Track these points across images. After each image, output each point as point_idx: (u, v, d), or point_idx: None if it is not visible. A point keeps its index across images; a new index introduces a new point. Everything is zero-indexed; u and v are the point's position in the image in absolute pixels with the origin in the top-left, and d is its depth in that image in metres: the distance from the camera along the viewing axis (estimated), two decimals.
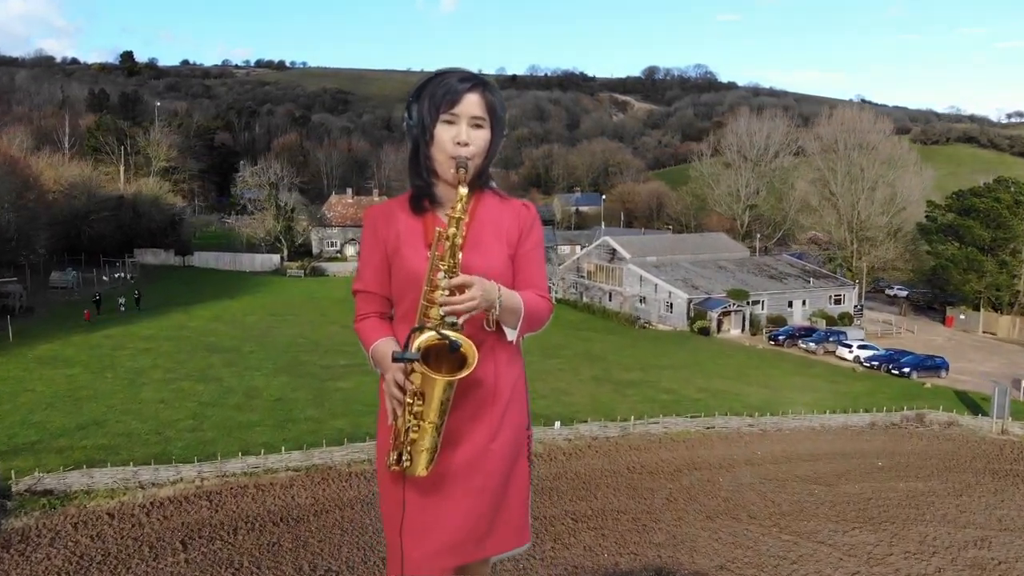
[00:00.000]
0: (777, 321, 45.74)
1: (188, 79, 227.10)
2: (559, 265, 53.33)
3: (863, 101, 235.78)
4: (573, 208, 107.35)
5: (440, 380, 1.85)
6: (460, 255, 1.94)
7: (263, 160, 57.69)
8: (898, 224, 57.34)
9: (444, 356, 1.87)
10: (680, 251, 50.99)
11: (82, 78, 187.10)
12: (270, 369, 27.73)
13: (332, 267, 57.42)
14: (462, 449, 2.06)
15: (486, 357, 2.03)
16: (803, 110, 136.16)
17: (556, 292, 52.45)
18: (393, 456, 1.99)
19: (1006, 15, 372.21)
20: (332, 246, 67.78)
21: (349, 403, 23.73)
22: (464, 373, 1.85)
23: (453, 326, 1.88)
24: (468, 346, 1.85)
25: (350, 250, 67.32)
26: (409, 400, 1.91)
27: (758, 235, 67.46)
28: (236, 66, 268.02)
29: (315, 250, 66.81)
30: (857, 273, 57.68)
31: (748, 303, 45.19)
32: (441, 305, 1.89)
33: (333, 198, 70.15)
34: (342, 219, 68.48)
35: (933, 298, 56.99)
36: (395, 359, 1.85)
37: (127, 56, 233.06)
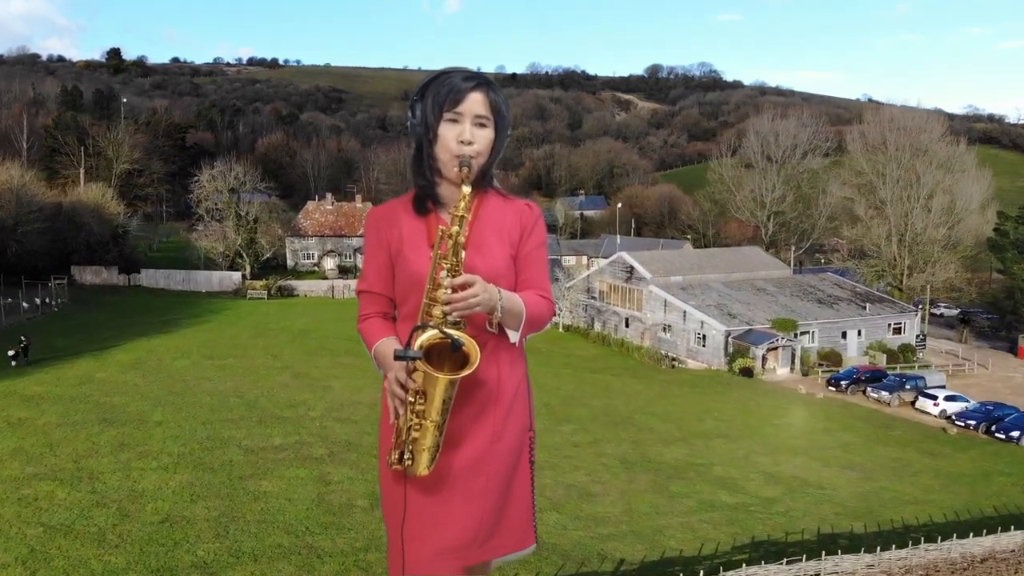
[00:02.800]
0: (830, 357, 38.00)
1: (176, 77, 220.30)
2: (566, 285, 45.60)
3: (870, 100, 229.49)
4: (577, 212, 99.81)
5: (442, 379, 1.83)
6: (463, 254, 1.93)
7: (223, 161, 50.00)
8: (957, 237, 49.71)
9: (446, 355, 1.86)
10: (709, 269, 43.25)
11: (65, 76, 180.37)
12: (173, 456, 19.90)
13: (303, 285, 49.34)
14: (464, 450, 2.04)
15: (489, 358, 2.01)
16: (811, 110, 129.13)
17: (563, 317, 44.75)
18: (395, 455, 1.96)
19: (1007, 16, 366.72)
20: (308, 259, 60.03)
21: (265, 528, 15.92)
22: (466, 372, 1.83)
23: (456, 325, 1.88)
24: (471, 345, 1.84)
25: (329, 263, 59.58)
26: (411, 399, 1.89)
27: (792, 247, 59.59)
28: (227, 64, 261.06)
29: (289, 264, 59.07)
30: (907, 293, 50.00)
31: (796, 335, 37.50)
32: (444, 303, 1.87)
33: (310, 205, 62.40)
34: (320, 228, 60.72)
35: (1000, 323, 49.31)
36: (397, 357, 1.82)
37: (114, 53, 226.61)
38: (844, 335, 39.67)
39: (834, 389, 33.83)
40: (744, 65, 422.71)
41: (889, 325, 41.39)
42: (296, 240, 58.77)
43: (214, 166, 49.61)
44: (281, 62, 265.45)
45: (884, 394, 32.06)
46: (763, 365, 35.63)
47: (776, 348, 36.11)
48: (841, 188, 57.75)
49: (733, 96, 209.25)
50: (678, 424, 26.49)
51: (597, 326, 45.08)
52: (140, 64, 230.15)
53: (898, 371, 37.09)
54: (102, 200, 47.47)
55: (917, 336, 42.25)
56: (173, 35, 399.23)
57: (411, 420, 1.91)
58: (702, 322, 37.42)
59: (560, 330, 44.00)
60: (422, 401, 1.88)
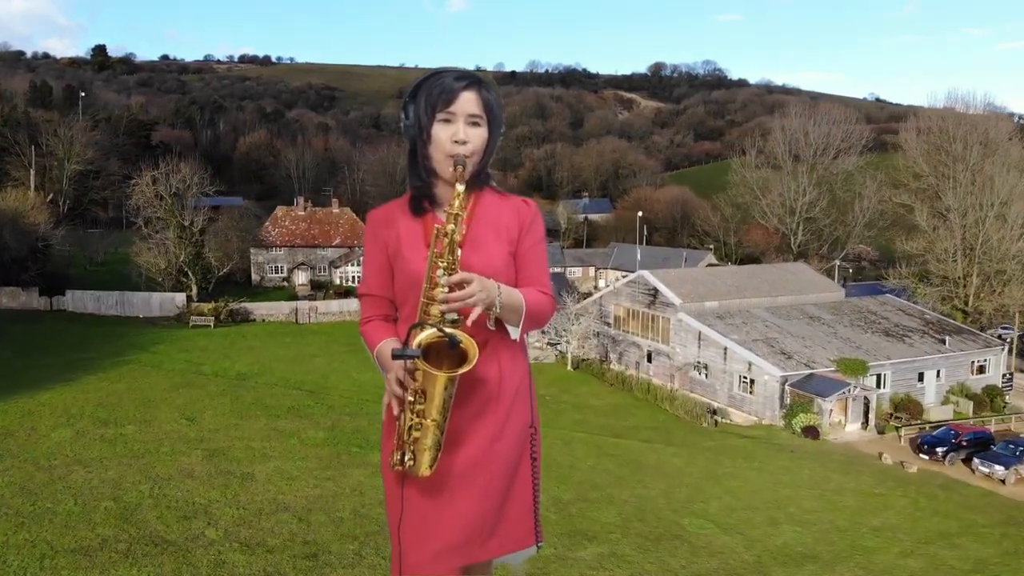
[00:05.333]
0: (907, 407, 30.33)
1: (163, 74, 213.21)
2: (574, 309, 37.81)
3: (877, 100, 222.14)
4: (581, 216, 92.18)
5: (441, 376, 1.83)
6: (459, 252, 1.92)
7: (165, 162, 42.12)
8: None
9: (444, 353, 1.85)
10: (751, 291, 35.55)
11: (47, 72, 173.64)
12: None
13: (261, 308, 41.32)
14: (465, 449, 2.02)
15: (489, 356, 2.01)
16: (829, 107, 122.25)
17: (571, 348, 36.99)
18: (397, 455, 1.95)
19: (1008, 17, 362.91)
20: (276, 273, 52.28)
21: None
22: (464, 369, 1.82)
23: (454, 323, 1.87)
24: (468, 342, 1.83)
25: (300, 278, 51.84)
26: (411, 398, 1.89)
27: (837, 262, 51.86)
28: (218, 61, 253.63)
29: (254, 279, 51.32)
30: (973, 317, 42.39)
31: (862, 378, 29.83)
32: (441, 302, 1.87)
33: (279, 210, 54.56)
34: (290, 237, 52.94)
35: None
36: (395, 356, 1.82)
37: (99, 50, 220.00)
38: (921, 377, 32.00)
39: (927, 457, 26.11)
40: (745, 66, 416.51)
41: (973, 363, 33.71)
42: (261, 252, 50.98)
43: (158, 166, 41.83)
44: (274, 59, 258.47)
45: (998, 469, 24.32)
46: (828, 419, 27.94)
47: (845, 397, 28.40)
48: (887, 192, 50.33)
49: (739, 95, 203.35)
50: (745, 533, 18.74)
51: (612, 357, 37.44)
52: (126, 61, 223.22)
53: (990, 427, 29.47)
54: (22, 208, 39.64)
55: (1004, 375, 34.58)
56: (174, 35, 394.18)
57: (412, 420, 1.88)
58: (750, 363, 29.68)
59: (569, 368, 36.21)
60: (422, 400, 1.86)
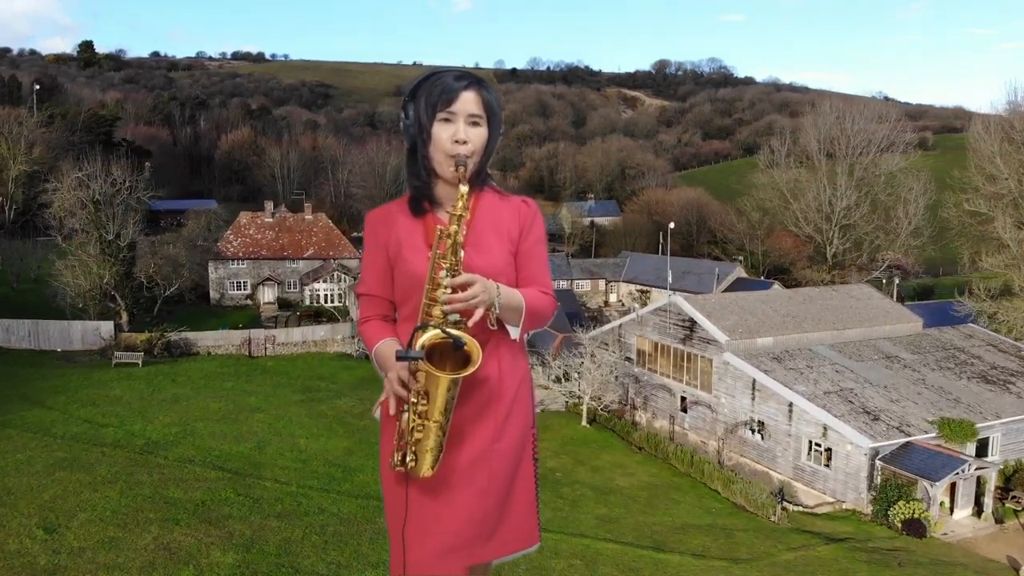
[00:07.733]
0: (1022, 482, 23.20)
1: (151, 71, 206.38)
2: (587, 341, 30.62)
3: (886, 99, 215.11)
4: (587, 220, 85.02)
5: (444, 378, 1.80)
6: (462, 253, 1.90)
7: (89, 162, 34.87)
8: None
9: (448, 354, 1.83)
10: (810, 323, 28.32)
11: (30, 70, 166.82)
12: None
13: (207, 339, 33.94)
14: (466, 449, 1.99)
15: (490, 356, 1.98)
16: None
17: (585, 395, 29.70)
18: (397, 456, 1.92)
19: (1011, 18, 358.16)
20: (239, 289, 45.07)
21: None
22: (468, 371, 1.80)
23: (457, 324, 1.85)
24: (472, 344, 1.81)
25: (267, 295, 44.66)
26: (413, 399, 1.86)
27: (896, 279, 44.61)
28: (209, 58, 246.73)
29: (213, 297, 44.14)
30: None
31: (969, 444, 22.67)
32: (444, 303, 1.85)
33: (243, 217, 47.31)
34: (255, 248, 45.71)
35: None
36: (399, 358, 1.79)
37: (86, 46, 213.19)
38: None
39: None
40: (750, 64, 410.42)
41: None
42: (221, 265, 43.77)
43: (81, 168, 34.64)
44: (268, 56, 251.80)
45: None
46: (935, 507, 20.78)
47: (957, 477, 21.21)
48: (950, 196, 43.40)
49: (746, 92, 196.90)
50: None
51: (637, 402, 30.29)
52: (114, 58, 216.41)
53: None
54: None
55: None
56: (178, 34, 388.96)
57: (414, 421, 1.85)
58: (825, 428, 22.49)
59: (583, 423, 28.95)
60: (424, 402, 1.83)
